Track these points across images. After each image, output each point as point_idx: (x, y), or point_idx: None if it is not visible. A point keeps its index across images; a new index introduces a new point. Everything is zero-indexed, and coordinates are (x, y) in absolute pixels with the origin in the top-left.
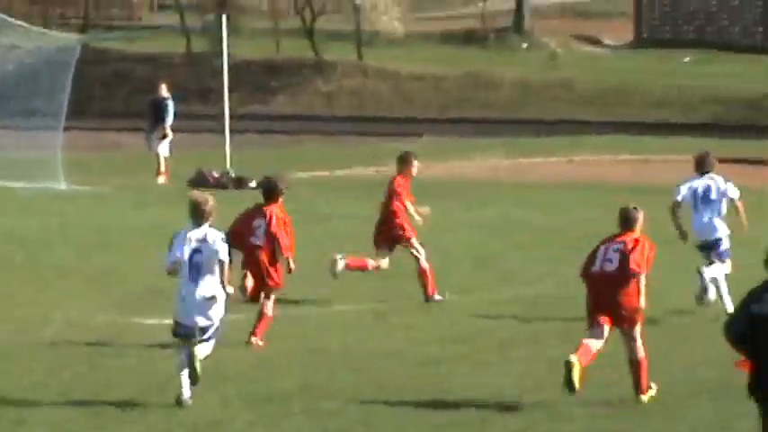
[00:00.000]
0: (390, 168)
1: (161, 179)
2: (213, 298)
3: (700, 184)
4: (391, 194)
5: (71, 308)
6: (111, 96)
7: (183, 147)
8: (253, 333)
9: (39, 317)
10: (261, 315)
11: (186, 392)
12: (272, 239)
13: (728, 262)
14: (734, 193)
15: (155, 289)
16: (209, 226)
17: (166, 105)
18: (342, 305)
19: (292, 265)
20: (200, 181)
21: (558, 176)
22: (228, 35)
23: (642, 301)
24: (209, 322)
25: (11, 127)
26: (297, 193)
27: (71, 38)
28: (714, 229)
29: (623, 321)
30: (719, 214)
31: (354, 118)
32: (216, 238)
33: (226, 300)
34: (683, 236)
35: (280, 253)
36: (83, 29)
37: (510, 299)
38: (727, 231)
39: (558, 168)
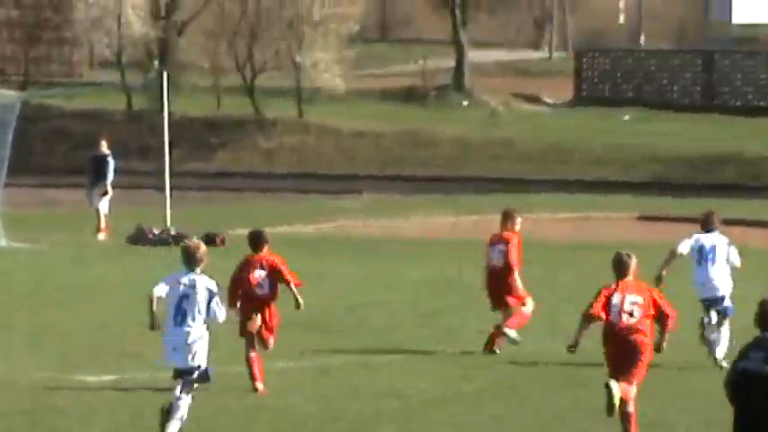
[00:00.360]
0: (331, 225)
1: (101, 236)
2: (197, 342)
3: (706, 241)
4: (509, 251)
5: (8, 363)
6: (51, 152)
7: (122, 203)
8: (253, 377)
9: None
10: (253, 361)
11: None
12: (275, 285)
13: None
14: (736, 260)
15: (95, 346)
16: (200, 272)
17: (107, 162)
18: (284, 362)
19: (300, 301)
20: (139, 237)
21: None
22: (169, 92)
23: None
24: (193, 364)
25: None
26: (237, 250)
27: (11, 95)
28: (720, 285)
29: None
30: (724, 271)
31: (295, 175)
32: (205, 286)
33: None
34: (658, 282)
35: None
36: (23, 86)
37: (452, 355)
38: (731, 288)
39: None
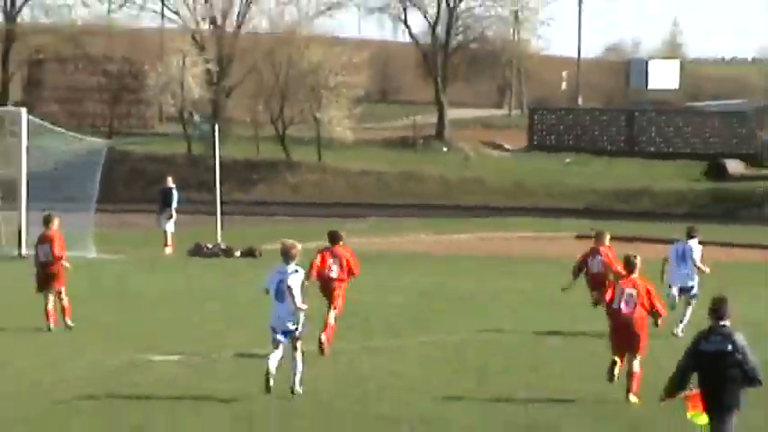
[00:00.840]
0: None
1: (168, 250)
2: (294, 312)
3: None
4: (607, 260)
5: (96, 347)
6: (130, 187)
7: (184, 225)
8: (323, 339)
9: (69, 356)
10: (327, 324)
11: (297, 385)
12: (345, 271)
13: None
14: (697, 255)
15: (163, 333)
16: (296, 264)
17: (172, 193)
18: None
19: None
20: (197, 251)
21: (470, 250)
22: (219, 140)
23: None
24: (292, 327)
25: (53, 210)
26: (271, 260)
27: (100, 142)
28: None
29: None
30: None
31: (315, 204)
32: (296, 275)
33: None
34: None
35: (353, 275)
36: (109, 135)
37: (434, 344)
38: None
39: (472, 244)
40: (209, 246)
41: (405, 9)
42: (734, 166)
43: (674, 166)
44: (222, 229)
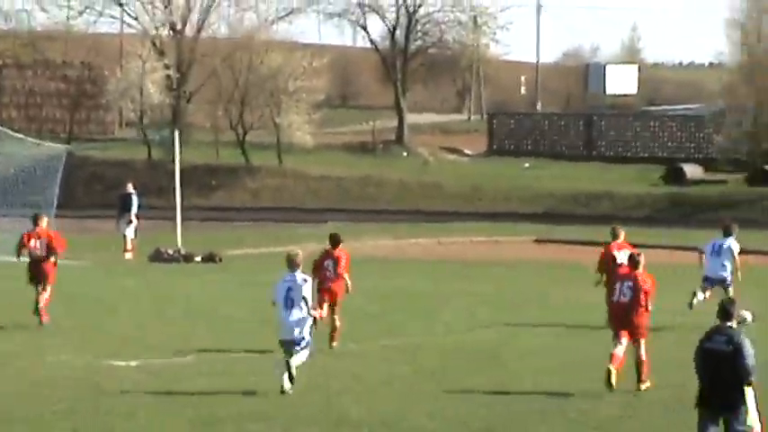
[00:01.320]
0: (303, 247)
1: (128, 255)
2: (301, 320)
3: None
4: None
5: (60, 352)
6: (90, 192)
7: (144, 230)
8: (332, 340)
9: (30, 361)
10: (334, 325)
11: (286, 385)
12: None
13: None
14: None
15: (124, 337)
16: (301, 272)
17: (132, 199)
18: (267, 350)
19: (349, 283)
20: (157, 257)
21: (429, 254)
22: (179, 145)
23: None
24: (300, 336)
25: (13, 215)
26: (231, 265)
27: (59, 147)
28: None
29: (636, 335)
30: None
31: (275, 209)
32: (303, 283)
33: (312, 321)
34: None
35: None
36: (68, 141)
37: (394, 347)
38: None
39: (430, 248)
40: (170, 251)
41: (364, 14)
42: (692, 170)
43: (632, 171)
44: (182, 234)
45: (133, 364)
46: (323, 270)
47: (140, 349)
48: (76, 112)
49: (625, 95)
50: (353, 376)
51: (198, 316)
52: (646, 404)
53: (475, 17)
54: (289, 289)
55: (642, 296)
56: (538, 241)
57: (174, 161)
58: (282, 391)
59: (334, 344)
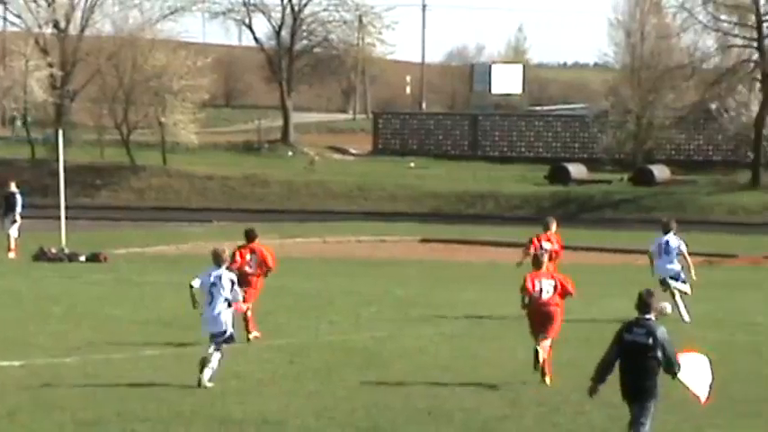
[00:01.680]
0: (188, 246)
1: (11, 255)
2: (224, 314)
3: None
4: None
5: None
6: None
7: (28, 229)
8: (248, 330)
9: None
10: (248, 317)
11: (204, 379)
12: (261, 265)
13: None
14: (684, 247)
15: (6, 337)
16: (225, 268)
17: (15, 198)
18: (151, 350)
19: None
20: (41, 256)
21: (315, 253)
22: (63, 144)
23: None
24: (224, 328)
25: None
26: (116, 265)
27: None
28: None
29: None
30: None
31: (160, 208)
32: (227, 278)
33: (233, 314)
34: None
35: (269, 269)
36: None
37: (277, 346)
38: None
39: (315, 247)
40: (54, 250)
41: (249, 13)
42: (576, 170)
43: (517, 170)
44: (67, 233)
45: (16, 364)
46: (245, 267)
47: (23, 349)
48: None
49: (510, 95)
50: (236, 375)
51: (82, 316)
52: (532, 403)
53: (360, 16)
54: (212, 284)
55: (560, 293)
56: (424, 241)
57: (57, 160)
58: (199, 384)
59: (252, 334)
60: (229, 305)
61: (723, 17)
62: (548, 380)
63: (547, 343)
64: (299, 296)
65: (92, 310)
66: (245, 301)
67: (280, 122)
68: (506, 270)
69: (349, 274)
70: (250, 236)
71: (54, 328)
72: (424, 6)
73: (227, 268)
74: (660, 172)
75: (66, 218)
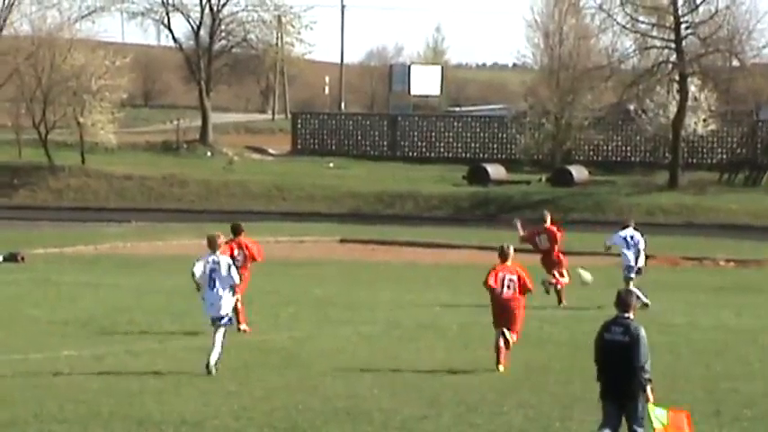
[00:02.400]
0: (106, 246)
1: None
2: (224, 298)
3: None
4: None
5: None
6: None
7: None
8: (239, 322)
9: None
10: (238, 309)
11: (212, 362)
12: (249, 259)
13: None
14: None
15: None
16: (220, 253)
17: None
18: (68, 351)
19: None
20: None
21: None
22: None
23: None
24: (224, 313)
25: None
26: (34, 265)
27: None
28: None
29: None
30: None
31: (78, 208)
32: (225, 262)
33: (233, 297)
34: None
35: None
36: None
37: (196, 347)
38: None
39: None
40: None
41: (168, 13)
42: (494, 170)
43: (436, 171)
44: None
45: None
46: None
47: None
48: None
49: (428, 96)
50: (155, 375)
51: None
52: (451, 403)
53: (279, 16)
54: (212, 270)
55: (521, 289)
56: (343, 241)
57: None
58: (209, 370)
59: (242, 326)
60: (232, 290)
61: (641, 18)
62: (501, 368)
63: (513, 335)
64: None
65: (9, 310)
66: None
67: (198, 122)
68: (425, 270)
69: (267, 274)
70: (237, 230)
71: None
72: (342, 6)
73: None
74: (578, 173)
75: None
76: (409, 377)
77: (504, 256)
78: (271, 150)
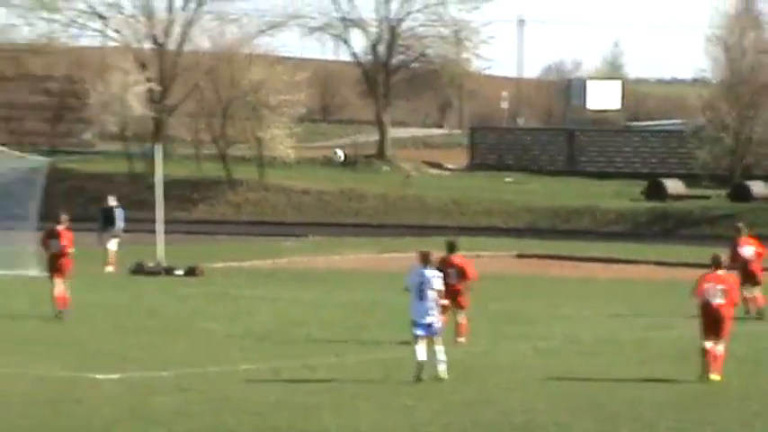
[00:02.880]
0: (284, 260)
1: (109, 268)
2: (431, 308)
3: None
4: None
5: (39, 364)
6: (71, 204)
7: (125, 244)
8: (458, 335)
9: (12, 373)
10: (459, 324)
11: (441, 373)
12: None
13: None
14: None
15: (104, 350)
16: (431, 267)
17: (114, 212)
18: (246, 365)
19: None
20: (138, 270)
21: (408, 267)
22: (161, 159)
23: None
24: (431, 321)
25: None
26: (212, 279)
27: (41, 160)
28: None
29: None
30: None
31: (256, 222)
32: (435, 276)
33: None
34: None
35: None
36: (49, 154)
37: (373, 360)
38: None
39: (411, 262)
40: (151, 264)
41: (346, 28)
42: (673, 185)
43: (613, 186)
44: (164, 247)
45: (114, 377)
46: (446, 278)
47: (120, 362)
48: (58, 125)
49: (607, 111)
50: (331, 389)
51: (178, 329)
52: (628, 419)
53: (457, 32)
54: (421, 283)
55: (731, 298)
56: (519, 256)
57: (155, 174)
58: (439, 379)
59: (461, 339)
60: (439, 302)
61: None
62: (713, 376)
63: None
64: (394, 311)
65: (187, 323)
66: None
67: (376, 137)
68: (602, 285)
69: None
70: (452, 247)
71: (150, 342)
72: (520, 21)
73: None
74: (759, 188)
75: (164, 232)
76: (586, 392)
77: (717, 264)
78: (448, 165)
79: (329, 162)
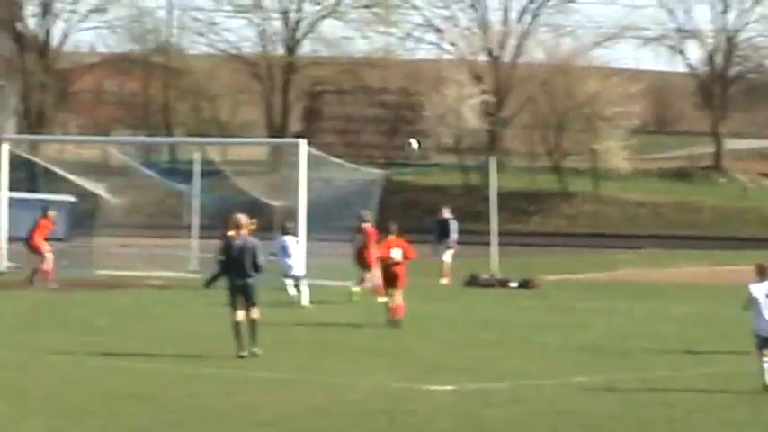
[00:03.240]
0: (618, 273)
1: (444, 280)
2: None
3: None
4: None
5: (375, 376)
6: (406, 217)
7: (459, 256)
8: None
9: (346, 383)
10: None
11: None
12: None
13: None
14: None
15: (438, 362)
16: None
17: (449, 224)
18: (581, 377)
19: None
20: (473, 282)
21: (744, 280)
22: (496, 171)
23: None
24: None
25: (329, 239)
26: (546, 291)
27: (376, 172)
28: None
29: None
30: None
31: (591, 235)
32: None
33: None
34: None
35: None
36: (385, 166)
37: (709, 374)
38: None
39: (746, 275)
40: (485, 276)
41: (682, 39)
42: None
43: None
44: (498, 259)
45: (448, 388)
46: None
47: (455, 374)
48: (393, 138)
49: None
50: (666, 404)
51: (512, 341)
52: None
53: None
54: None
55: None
56: None
57: (489, 187)
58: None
59: None
60: None
61: None
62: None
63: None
64: (730, 325)
65: (523, 335)
66: None
67: (711, 149)
68: None
69: None
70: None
71: (486, 354)
72: None
73: None
74: None
75: (498, 244)
76: None
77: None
78: None
79: (663, 173)
